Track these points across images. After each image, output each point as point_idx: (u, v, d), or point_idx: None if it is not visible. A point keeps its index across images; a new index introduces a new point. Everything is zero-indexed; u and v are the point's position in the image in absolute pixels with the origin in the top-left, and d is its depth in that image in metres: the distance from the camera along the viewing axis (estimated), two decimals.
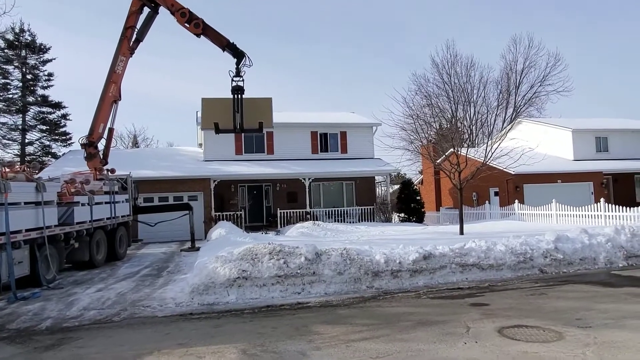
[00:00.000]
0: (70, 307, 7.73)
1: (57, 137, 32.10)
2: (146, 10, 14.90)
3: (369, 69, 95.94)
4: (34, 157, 31.44)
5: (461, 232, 15.12)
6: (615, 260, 10.10)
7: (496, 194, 26.39)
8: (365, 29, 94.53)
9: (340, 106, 79.35)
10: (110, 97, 15.23)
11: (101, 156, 15.20)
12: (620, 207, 15.86)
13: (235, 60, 14.23)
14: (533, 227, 15.94)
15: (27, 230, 9.18)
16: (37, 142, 32.00)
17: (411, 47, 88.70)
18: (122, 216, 14.18)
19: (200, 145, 25.32)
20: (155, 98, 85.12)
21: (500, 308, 6.74)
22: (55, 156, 30.15)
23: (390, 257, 8.97)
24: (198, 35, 14.91)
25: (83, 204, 11.64)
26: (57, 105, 31.69)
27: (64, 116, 32.47)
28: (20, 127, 30.40)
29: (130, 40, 15.32)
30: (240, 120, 13.42)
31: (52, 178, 13.48)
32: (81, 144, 14.93)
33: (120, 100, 15.70)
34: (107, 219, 13.06)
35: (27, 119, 30.99)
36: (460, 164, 15.44)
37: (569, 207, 17.90)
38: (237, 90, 13.49)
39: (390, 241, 12.55)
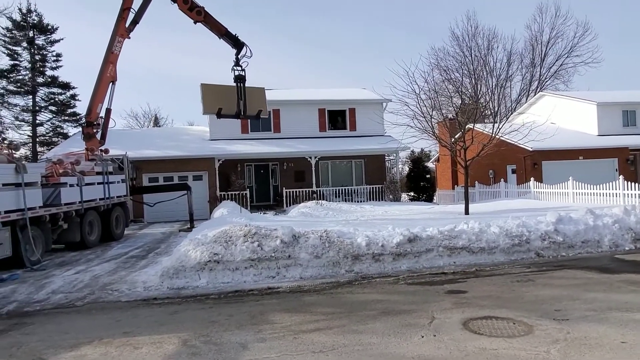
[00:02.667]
0: (40, 290, 7.64)
1: (67, 118, 32.32)
2: None
3: (385, 43, 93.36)
4: (46, 138, 31.85)
5: (466, 212, 14.45)
6: (622, 243, 9.36)
7: (513, 171, 25.32)
8: (385, 2, 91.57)
9: (355, 83, 77.78)
10: (107, 77, 15.23)
11: (99, 137, 15.18)
12: None
13: (235, 50, 14.71)
14: (546, 205, 15.10)
15: (6, 212, 9.13)
16: (48, 122, 32.29)
17: (432, 19, 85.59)
18: (117, 196, 14.12)
19: None
20: (177, 77, 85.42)
21: (477, 296, 6.24)
22: (65, 136, 30.36)
23: (373, 239, 8.52)
24: (195, 22, 14.92)
25: (72, 185, 11.56)
26: (66, 86, 31.87)
27: (73, 96, 32.62)
28: (30, 108, 30.75)
29: (126, 21, 15.29)
30: (243, 107, 14.34)
31: (49, 159, 13.52)
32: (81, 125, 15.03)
33: (117, 80, 15.63)
34: (100, 199, 13.01)
35: (37, 100, 31.21)
36: (466, 140, 14.66)
37: (586, 185, 16.90)
38: (240, 79, 14.27)
39: (388, 221, 12.03)
